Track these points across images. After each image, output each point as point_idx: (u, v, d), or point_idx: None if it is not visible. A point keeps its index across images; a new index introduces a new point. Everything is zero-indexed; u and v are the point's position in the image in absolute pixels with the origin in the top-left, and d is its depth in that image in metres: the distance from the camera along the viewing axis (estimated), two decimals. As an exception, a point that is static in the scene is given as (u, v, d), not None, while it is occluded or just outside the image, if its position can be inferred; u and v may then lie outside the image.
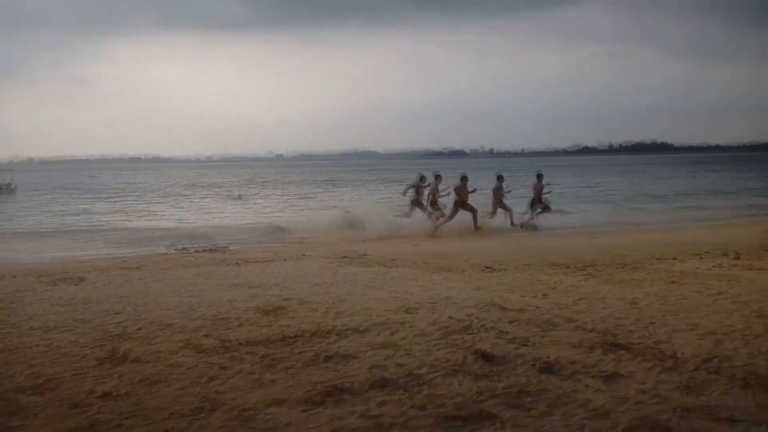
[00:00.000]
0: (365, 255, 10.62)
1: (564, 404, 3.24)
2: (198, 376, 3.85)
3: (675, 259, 8.52)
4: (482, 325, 4.96)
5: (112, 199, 32.54)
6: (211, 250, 11.50)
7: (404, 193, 16.34)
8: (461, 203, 15.06)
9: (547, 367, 3.83)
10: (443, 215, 15.18)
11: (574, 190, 33.63)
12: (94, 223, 19.86)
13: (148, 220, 21.07)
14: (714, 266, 7.58)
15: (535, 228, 15.87)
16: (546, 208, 16.33)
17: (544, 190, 16.44)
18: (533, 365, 3.88)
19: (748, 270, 7.16)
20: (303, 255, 10.41)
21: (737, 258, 8.16)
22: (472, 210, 15.24)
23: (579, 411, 3.15)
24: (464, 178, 15.37)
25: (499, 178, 16.28)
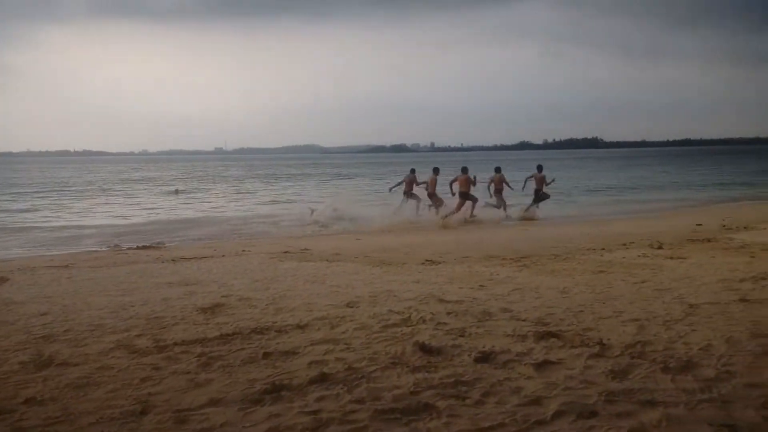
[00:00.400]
0: (307, 250, 10.57)
1: (498, 392, 3.34)
2: (130, 378, 3.72)
3: (603, 249, 8.92)
4: (421, 318, 5.03)
5: (38, 195, 30.80)
6: (145, 247, 11.11)
7: (390, 190, 17.23)
8: (464, 193, 15.79)
9: (483, 357, 3.93)
10: (442, 205, 16.08)
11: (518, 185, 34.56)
12: (18, 221, 18.74)
13: (79, 217, 20.09)
14: (639, 256, 7.99)
15: (533, 218, 16.82)
16: (543, 198, 17.33)
17: (547, 180, 17.42)
18: (469, 355, 3.98)
19: (669, 259, 7.59)
20: (243, 251, 10.23)
21: (660, 248, 8.63)
22: (474, 199, 16.13)
23: (512, 398, 3.26)
24: (465, 169, 16.15)
25: (497, 169, 17.34)
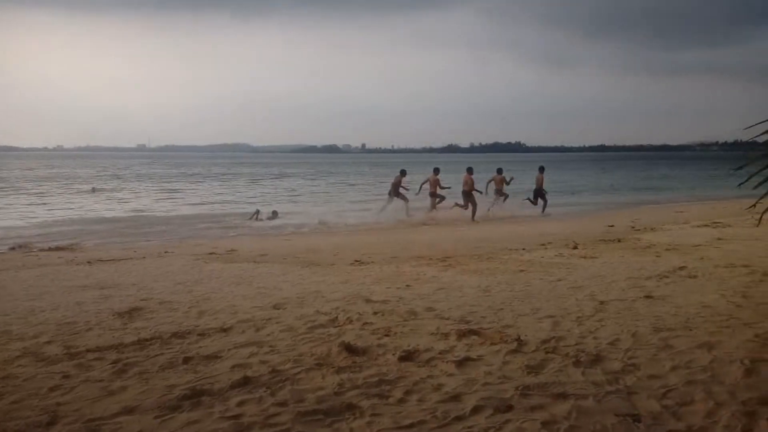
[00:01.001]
0: (233, 251, 10.36)
1: (420, 390, 3.41)
2: (36, 388, 3.51)
3: (524, 249, 9.28)
4: (348, 318, 5.05)
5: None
6: (58, 249, 10.50)
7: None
8: (468, 192, 17.12)
9: (407, 356, 3.99)
10: (441, 202, 17.52)
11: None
12: None
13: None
14: (556, 255, 8.37)
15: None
16: (541, 197, 18.90)
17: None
18: (394, 354, 4.03)
19: (583, 258, 8.00)
20: (165, 252, 9.89)
21: (575, 248, 9.08)
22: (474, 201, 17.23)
23: (433, 395, 3.33)
24: (470, 170, 17.48)
25: (499, 170, 18.62)
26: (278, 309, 5.48)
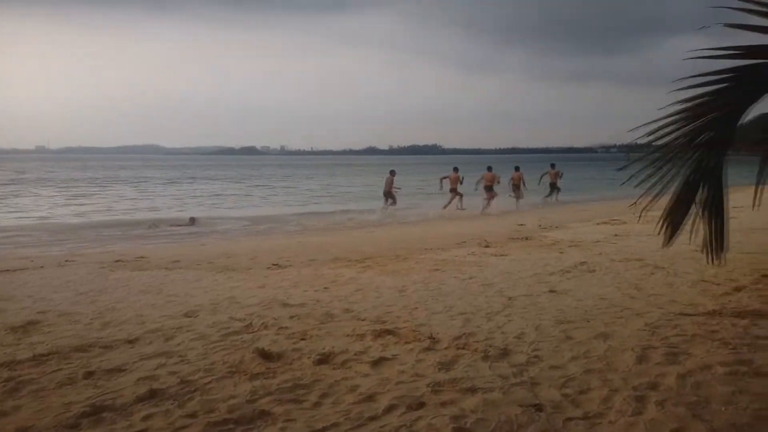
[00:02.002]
0: (143, 258, 9.90)
1: (335, 392, 3.42)
2: None
3: (439, 248, 9.53)
4: (263, 323, 4.98)
5: None
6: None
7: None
8: (489, 187, 19.58)
9: (323, 359, 4.00)
10: (451, 200, 19.63)
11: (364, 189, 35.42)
12: None
13: None
14: (469, 254, 8.66)
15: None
16: (556, 191, 21.80)
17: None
18: (309, 358, 4.02)
19: (494, 256, 8.32)
20: (66, 261, 9.28)
21: (487, 246, 9.43)
22: (494, 195, 19.65)
23: (348, 397, 3.35)
24: (490, 168, 19.87)
25: (517, 168, 20.93)
26: (190, 317, 5.31)
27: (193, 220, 17.59)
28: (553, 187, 21.90)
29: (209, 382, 3.61)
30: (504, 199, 20.66)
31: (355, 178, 53.86)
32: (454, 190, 19.70)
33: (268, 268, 8.42)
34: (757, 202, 2.95)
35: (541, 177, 21.66)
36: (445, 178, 20.06)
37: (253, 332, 4.75)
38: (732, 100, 2.04)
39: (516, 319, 4.83)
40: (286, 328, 4.84)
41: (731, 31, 1.91)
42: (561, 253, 8.36)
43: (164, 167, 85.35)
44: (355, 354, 4.10)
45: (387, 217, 18.54)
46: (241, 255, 10.15)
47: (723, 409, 2.99)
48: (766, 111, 2.25)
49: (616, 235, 9.95)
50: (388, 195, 19.32)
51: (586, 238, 9.77)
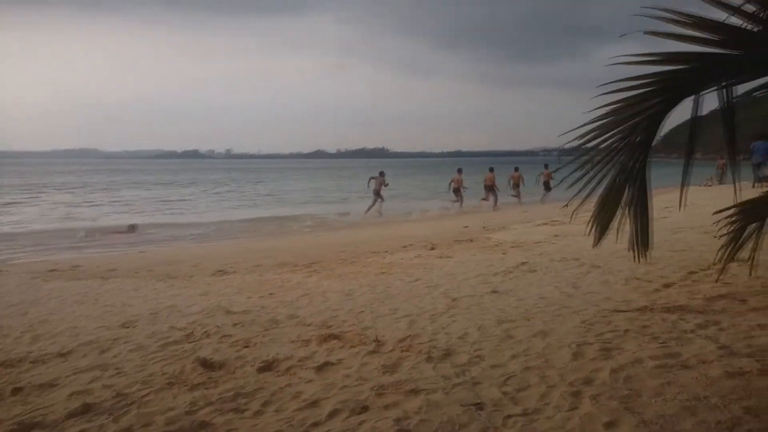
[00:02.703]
0: (78, 267, 9.52)
1: (278, 400, 3.38)
2: None
3: (386, 252, 9.58)
4: (205, 332, 4.88)
5: None
6: None
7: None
8: (490, 187, 21.99)
9: (266, 366, 3.94)
10: (462, 200, 21.70)
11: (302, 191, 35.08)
12: None
13: None
14: (415, 257, 8.74)
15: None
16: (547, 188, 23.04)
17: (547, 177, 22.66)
18: (252, 366, 3.96)
19: (439, 258, 8.43)
20: (-6, 272, 8.79)
21: (433, 249, 9.55)
22: (495, 195, 22.05)
23: (291, 404, 3.32)
24: (492, 169, 22.06)
25: (516, 169, 23.07)
26: (127, 327, 5.14)
27: (132, 227, 17.02)
28: (547, 186, 23.20)
29: (147, 395, 3.50)
30: (470, 200, 22.34)
31: (303, 182, 53.49)
32: (458, 191, 21.82)
33: (212, 274, 8.26)
34: (683, 203, 3.11)
35: (538, 177, 23.44)
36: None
37: (194, 341, 4.64)
38: (653, 104, 2.15)
39: (460, 320, 4.91)
40: (230, 335, 4.75)
41: (661, 39, 2.02)
42: (504, 254, 8.56)
43: (103, 172, 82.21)
44: (300, 360, 4.07)
45: (375, 214, 20.12)
46: (184, 262, 9.91)
47: (653, 401, 3.13)
48: (696, 115, 2.38)
49: (555, 235, 10.27)
50: (377, 194, 20.68)
51: (527, 239, 10.03)
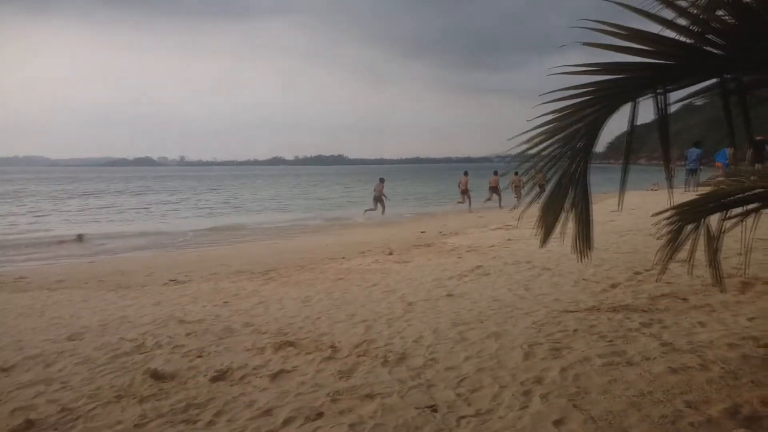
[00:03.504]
0: (23, 278, 9.16)
1: (231, 410, 3.33)
2: None
3: (344, 258, 9.58)
4: (157, 342, 4.77)
5: None
6: None
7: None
8: (495, 188, 23.15)
9: (219, 375, 3.89)
10: (469, 200, 22.61)
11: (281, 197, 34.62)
12: None
13: None
14: (373, 262, 8.77)
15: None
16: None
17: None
18: (205, 376, 3.90)
19: (397, 263, 8.48)
20: (-71, 285, 8.35)
21: (390, 254, 9.60)
22: (499, 195, 23.08)
23: (245, 413, 3.28)
24: (496, 173, 22.76)
25: (495, 172, 22.93)
26: (74, 340, 4.97)
27: (80, 237, 16.45)
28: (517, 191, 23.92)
29: (94, 409, 3.40)
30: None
31: (265, 189, 52.88)
32: (465, 192, 22.75)
33: (165, 284, 8.09)
34: (627, 207, 3.25)
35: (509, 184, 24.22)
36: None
37: (145, 352, 4.53)
38: (592, 112, 2.24)
39: (415, 324, 4.95)
40: (182, 345, 4.66)
41: (602, 50, 2.11)
42: (459, 258, 8.68)
43: (50, 180, 79.18)
44: (254, 368, 4.02)
45: (375, 219, 20.70)
46: (136, 272, 9.66)
47: (601, 398, 3.23)
48: (633, 122, 2.49)
49: (509, 239, 10.48)
50: (377, 200, 21.31)
51: (482, 243, 10.20)
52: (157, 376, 3.90)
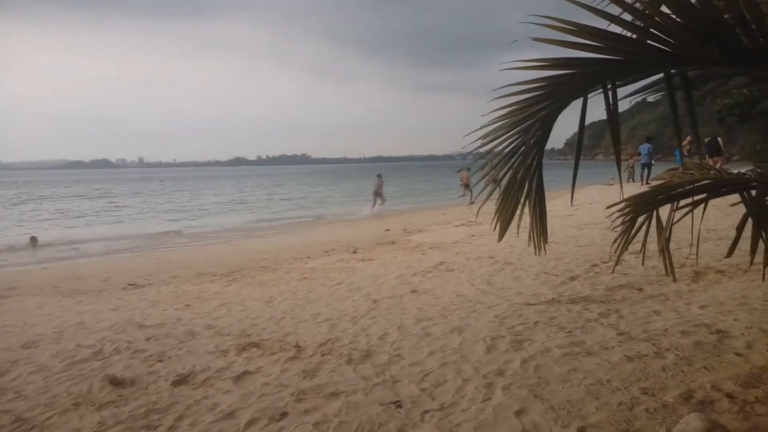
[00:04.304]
0: (-30, 287, 8.76)
1: (193, 413, 3.28)
2: None
3: (308, 257, 9.52)
4: (115, 348, 4.65)
5: None
6: None
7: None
8: (466, 185, 22.52)
9: (181, 379, 3.82)
10: (470, 193, 21.79)
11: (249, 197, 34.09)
12: None
13: None
14: (338, 261, 8.75)
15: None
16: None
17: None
18: (166, 380, 3.83)
19: (361, 261, 8.48)
20: None
21: (355, 252, 9.59)
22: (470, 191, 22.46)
23: (207, 416, 3.23)
24: (468, 169, 22.29)
25: (468, 169, 22.66)
26: (29, 348, 4.81)
27: (34, 241, 15.87)
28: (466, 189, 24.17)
29: (50, 418, 3.30)
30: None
31: (221, 190, 52.14)
32: (466, 186, 22.87)
33: (124, 288, 7.89)
34: (572, 201, 3.35)
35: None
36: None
37: (103, 359, 4.42)
38: (544, 107, 2.29)
39: (380, 321, 4.97)
40: (142, 350, 4.56)
41: (556, 46, 2.15)
42: (423, 254, 8.74)
43: (2, 184, 76.19)
44: (217, 371, 3.97)
45: (376, 213, 21.36)
46: (93, 276, 9.40)
47: (560, 387, 3.31)
48: (584, 116, 2.55)
49: (472, 235, 10.60)
50: (377, 195, 22.30)
51: (445, 240, 10.30)
52: (115, 382, 3.82)
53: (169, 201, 38.01)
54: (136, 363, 4.25)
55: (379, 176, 22.93)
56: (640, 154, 21.46)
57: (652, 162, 20.74)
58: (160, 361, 4.28)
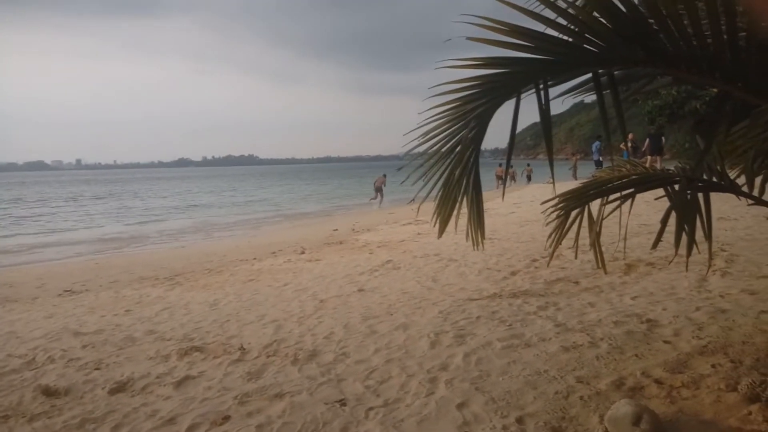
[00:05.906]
0: None
1: (131, 421, 3.18)
2: None
3: (255, 259, 9.39)
4: (49, 357, 4.46)
5: None
6: None
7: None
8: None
9: (119, 387, 3.70)
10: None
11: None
12: None
13: None
14: (285, 262, 8.67)
15: None
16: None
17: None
18: (103, 388, 3.70)
19: (309, 262, 8.44)
20: None
21: (303, 253, 9.54)
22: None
23: (146, 424, 3.15)
24: (501, 164, 23.80)
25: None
26: (-47, 361, 4.54)
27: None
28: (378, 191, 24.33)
29: (-25, 433, 3.13)
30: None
31: (164, 192, 50.71)
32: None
33: (59, 295, 7.57)
34: (503, 198, 3.46)
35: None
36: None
37: (35, 368, 4.23)
38: (480, 104, 2.35)
39: (327, 320, 4.96)
40: (78, 358, 4.39)
41: (492, 46, 2.20)
42: (371, 253, 8.77)
43: None
44: (158, 377, 3.87)
45: (378, 208, 22.36)
46: (25, 284, 8.95)
47: (500, 379, 3.40)
48: (516, 115, 2.63)
49: (418, 233, 10.72)
50: (378, 190, 23.54)
51: (393, 239, 10.37)
52: (49, 392, 3.67)
53: (111, 205, 36.60)
54: (71, 372, 4.09)
55: (384, 176, 23.99)
56: (592, 152, 22.48)
57: (601, 159, 21.52)
58: (97, 368, 4.14)
